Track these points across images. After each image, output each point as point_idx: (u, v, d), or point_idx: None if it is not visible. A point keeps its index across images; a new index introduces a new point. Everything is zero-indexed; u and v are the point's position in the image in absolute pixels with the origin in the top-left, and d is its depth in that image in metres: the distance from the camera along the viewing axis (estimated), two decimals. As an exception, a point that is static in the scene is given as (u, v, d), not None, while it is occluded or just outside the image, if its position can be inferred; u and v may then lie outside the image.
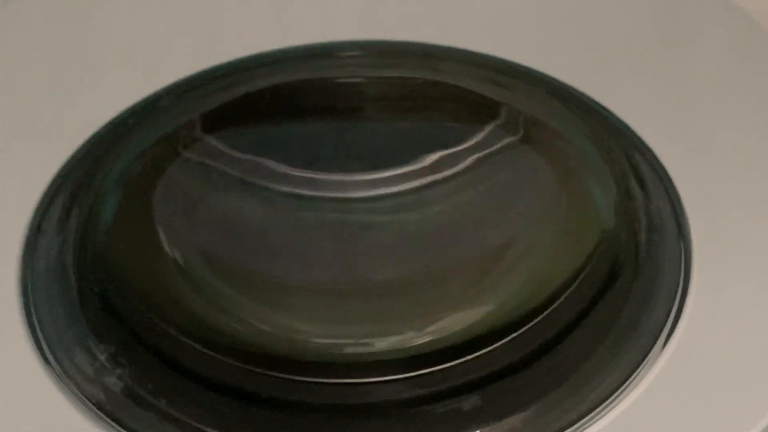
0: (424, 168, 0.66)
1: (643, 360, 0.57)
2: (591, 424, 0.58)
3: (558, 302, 0.64)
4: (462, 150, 0.66)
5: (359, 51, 0.51)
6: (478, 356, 0.65)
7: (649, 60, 0.49)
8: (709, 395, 0.55)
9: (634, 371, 0.57)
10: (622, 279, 0.61)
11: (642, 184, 0.55)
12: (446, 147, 0.66)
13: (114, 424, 0.56)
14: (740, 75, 0.50)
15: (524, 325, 0.65)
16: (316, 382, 0.65)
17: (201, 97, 0.51)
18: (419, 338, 0.67)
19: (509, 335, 0.65)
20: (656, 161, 0.51)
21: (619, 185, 0.59)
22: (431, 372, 0.65)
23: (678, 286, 0.55)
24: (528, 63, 0.49)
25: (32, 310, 0.52)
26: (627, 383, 0.57)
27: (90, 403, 0.55)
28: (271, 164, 0.65)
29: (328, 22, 0.47)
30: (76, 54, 0.46)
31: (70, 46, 0.46)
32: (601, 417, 0.57)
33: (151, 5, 0.46)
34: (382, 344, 0.67)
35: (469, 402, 0.63)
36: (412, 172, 0.66)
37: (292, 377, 0.65)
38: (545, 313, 0.65)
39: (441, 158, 0.66)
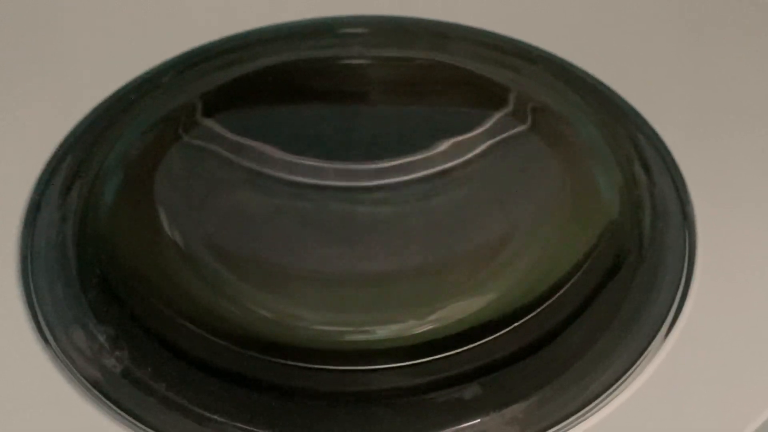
0: (428, 157, 0.66)
1: (645, 350, 0.56)
2: (592, 414, 0.57)
3: (561, 291, 0.64)
4: (468, 139, 0.66)
5: (365, 28, 0.51)
6: (479, 345, 0.65)
7: (659, 43, 0.49)
8: (712, 385, 0.54)
9: (636, 361, 0.57)
10: (625, 268, 0.60)
11: (647, 170, 0.55)
12: (452, 135, 0.66)
13: (113, 405, 0.56)
14: (750, 61, 0.50)
15: (527, 314, 0.65)
16: (317, 369, 0.65)
17: (202, 75, 0.50)
18: (421, 326, 0.67)
19: (511, 324, 0.65)
20: (663, 147, 0.51)
21: (624, 172, 0.58)
22: (432, 360, 0.65)
23: (682, 275, 0.54)
24: (537, 43, 0.48)
25: (31, 287, 0.52)
26: (629, 373, 0.57)
27: (88, 384, 0.55)
28: (274, 151, 0.65)
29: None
30: (75, 27, 0.46)
31: (70, 19, 0.46)
32: (603, 407, 0.57)
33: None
34: (383, 332, 0.67)
35: (470, 391, 0.63)
36: (416, 161, 0.66)
37: (292, 364, 0.65)
38: (548, 302, 0.64)
39: (446, 147, 0.66)
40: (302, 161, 0.65)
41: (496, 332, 0.65)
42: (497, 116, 0.64)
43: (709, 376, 0.54)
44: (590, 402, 0.58)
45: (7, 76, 0.46)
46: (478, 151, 0.66)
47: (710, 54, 0.49)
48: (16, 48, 0.45)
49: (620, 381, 0.57)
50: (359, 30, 0.50)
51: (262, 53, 0.50)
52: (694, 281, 0.54)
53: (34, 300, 0.52)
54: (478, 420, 0.61)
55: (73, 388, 0.54)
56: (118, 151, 0.57)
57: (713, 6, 0.48)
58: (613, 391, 0.57)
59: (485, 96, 0.64)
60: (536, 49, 0.48)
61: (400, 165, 0.66)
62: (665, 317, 0.56)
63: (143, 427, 0.57)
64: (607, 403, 0.57)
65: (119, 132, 0.54)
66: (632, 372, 0.56)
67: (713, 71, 0.50)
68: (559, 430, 0.58)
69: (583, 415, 0.58)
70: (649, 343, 0.56)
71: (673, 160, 0.52)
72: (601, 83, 0.50)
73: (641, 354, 0.56)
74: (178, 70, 0.46)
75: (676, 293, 0.55)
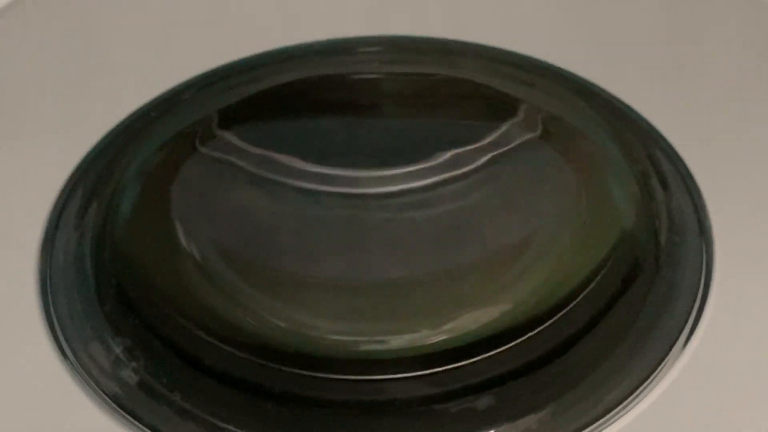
0: (441, 165, 0.66)
1: (661, 362, 0.56)
2: (607, 427, 0.57)
3: (575, 302, 0.64)
4: (479, 147, 0.66)
5: (377, 47, 0.51)
6: (493, 355, 0.65)
7: (671, 56, 0.49)
8: (729, 398, 0.54)
9: (652, 373, 0.56)
10: (641, 279, 0.60)
11: (663, 182, 0.55)
12: (463, 144, 0.66)
13: (129, 417, 0.56)
14: (764, 70, 0.50)
15: (541, 325, 0.65)
16: (331, 378, 0.65)
17: (221, 92, 0.51)
18: (435, 336, 0.67)
19: (525, 334, 0.65)
20: (678, 159, 0.51)
21: (640, 184, 0.58)
22: (446, 370, 0.65)
23: (699, 287, 0.54)
24: (548, 59, 0.49)
25: (50, 302, 0.53)
26: (645, 385, 0.56)
27: (106, 397, 0.55)
28: (288, 161, 0.65)
29: (346, 17, 0.47)
30: (97, 46, 0.46)
31: (93, 38, 0.46)
32: (618, 419, 0.57)
33: (174, -1, 0.46)
34: (397, 342, 0.67)
35: (484, 401, 0.62)
36: (429, 168, 0.66)
37: (307, 373, 0.65)
38: (562, 312, 0.64)
39: (458, 155, 0.66)
40: (317, 170, 0.66)
41: (510, 342, 0.65)
42: (508, 125, 0.64)
43: (727, 388, 0.54)
44: (605, 414, 0.58)
45: (29, 95, 0.46)
46: (490, 158, 0.66)
47: (727, 67, 0.49)
48: (37, 67, 0.45)
49: (636, 393, 0.57)
50: (373, 49, 0.51)
51: (279, 71, 0.50)
52: (712, 293, 0.54)
53: (53, 315, 0.53)
54: (492, 430, 0.61)
55: (91, 401, 0.54)
56: (135, 165, 0.57)
57: (730, 20, 0.48)
58: (629, 403, 0.57)
59: (496, 107, 0.64)
60: (549, 65, 0.48)
61: (413, 173, 0.66)
62: (682, 328, 0.56)
63: (158, 437, 0.58)
64: (622, 415, 0.57)
65: (138, 148, 0.54)
66: (648, 384, 0.56)
67: (730, 85, 0.50)
68: (573, 441, 0.58)
69: (598, 426, 0.58)
70: (665, 355, 0.56)
71: (689, 174, 0.52)
72: (616, 98, 0.50)
73: (658, 365, 0.56)
74: (198, 87, 0.47)
75: (693, 305, 0.55)
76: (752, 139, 0.50)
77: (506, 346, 0.65)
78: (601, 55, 0.49)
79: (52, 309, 0.53)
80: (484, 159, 0.66)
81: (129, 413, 0.56)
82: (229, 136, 0.63)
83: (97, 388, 0.55)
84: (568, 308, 0.64)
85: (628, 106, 0.50)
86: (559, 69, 0.49)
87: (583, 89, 0.50)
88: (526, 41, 0.48)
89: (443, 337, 0.66)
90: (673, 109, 0.50)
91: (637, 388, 0.57)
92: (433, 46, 0.49)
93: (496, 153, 0.65)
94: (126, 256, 0.61)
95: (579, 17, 0.48)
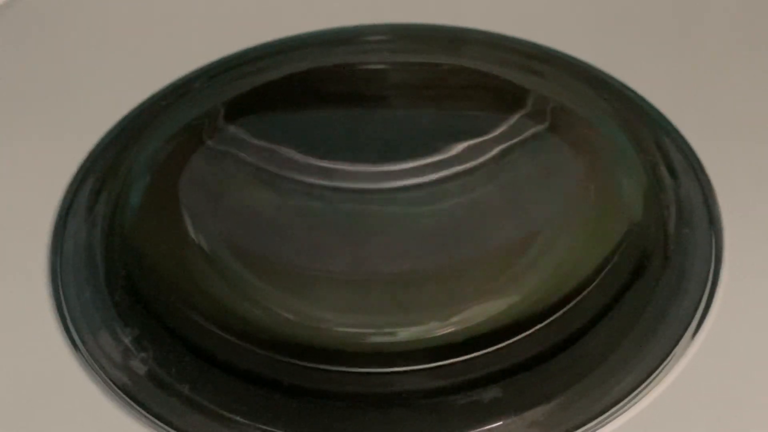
0: (449, 159, 0.66)
1: (669, 353, 0.56)
2: (615, 418, 0.57)
3: (584, 294, 0.64)
4: (487, 140, 0.66)
5: (384, 35, 0.51)
6: (501, 348, 0.65)
7: (681, 44, 0.49)
8: (738, 389, 0.54)
9: (660, 364, 0.56)
10: (650, 270, 0.60)
11: (672, 172, 0.55)
12: (471, 137, 0.66)
13: (138, 407, 0.56)
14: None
15: (549, 317, 0.65)
16: (338, 371, 0.65)
17: (227, 83, 0.51)
18: (443, 329, 0.67)
19: (533, 327, 0.65)
20: (688, 148, 0.51)
21: (649, 174, 0.58)
22: (454, 363, 0.65)
23: (708, 277, 0.54)
24: (557, 46, 0.49)
25: (60, 292, 0.53)
26: (653, 377, 0.56)
27: (115, 386, 0.55)
28: (295, 154, 0.65)
29: (351, 4, 0.47)
30: (107, 37, 0.46)
31: (103, 29, 0.46)
32: (626, 410, 0.57)
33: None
34: (405, 334, 0.67)
35: (491, 394, 0.62)
36: (437, 163, 0.66)
37: (314, 365, 0.65)
38: (570, 304, 0.64)
39: (466, 148, 0.66)
40: (324, 164, 0.66)
41: (518, 335, 0.65)
42: (516, 117, 0.64)
43: (735, 380, 0.54)
44: (612, 406, 0.57)
45: (39, 85, 0.46)
46: (498, 151, 0.66)
47: (735, 55, 0.49)
48: (47, 57, 0.45)
49: (643, 385, 0.57)
50: (381, 37, 0.51)
51: (284, 61, 0.50)
52: (721, 284, 0.54)
53: (63, 304, 0.53)
54: (499, 423, 0.61)
55: (100, 390, 0.54)
56: (145, 156, 0.57)
57: (742, 9, 0.48)
58: (636, 395, 0.57)
59: (505, 98, 0.64)
60: (557, 52, 0.48)
61: (421, 167, 0.66)
62: (691, 320, 0.56)
63: (167, 428, 0.57)
64: (629, 407, 0.57)
65: (147, 138, 0.55)
66: (656, 376, 0.56)
67: (739, 72, 0.50)
68: (579, 434, 0.58)
69: (606, 419, 0.57)
70: (673, 347, 0.56)
71: (699, 162, 0.52)
72: (625, 86, 0.50)
73: (666, 357, 0.56)
74: (209, 76, 0.47)
75: (702, 296, 0.55)
76: (763, 129, 0.50)
77: (514, 339, 0.65)
78: (611, 42, 0.49)
79: (62, 298, 0.53)
80: (493, 151, 0.66)
81: (138, 403, 0.56)
82: (236, 130, 0.63)
83: (106, 377, 0.55)
84: (576, 300, 0.64)
85: (637, 95, 0.50)
86: (568, 57, 0.49)
87: (591, 77, 0.50)
88: (534, 28, 0.48)
89: (451, 329, 0.66)
90: (683, 98, 0.50)
91: (644, 379, 0.57)
92: (441, 34, 0.49)
93: (504, 145, 0.65)
94: (135, 247, 0.61)
95: (589, 4, 0.48)
